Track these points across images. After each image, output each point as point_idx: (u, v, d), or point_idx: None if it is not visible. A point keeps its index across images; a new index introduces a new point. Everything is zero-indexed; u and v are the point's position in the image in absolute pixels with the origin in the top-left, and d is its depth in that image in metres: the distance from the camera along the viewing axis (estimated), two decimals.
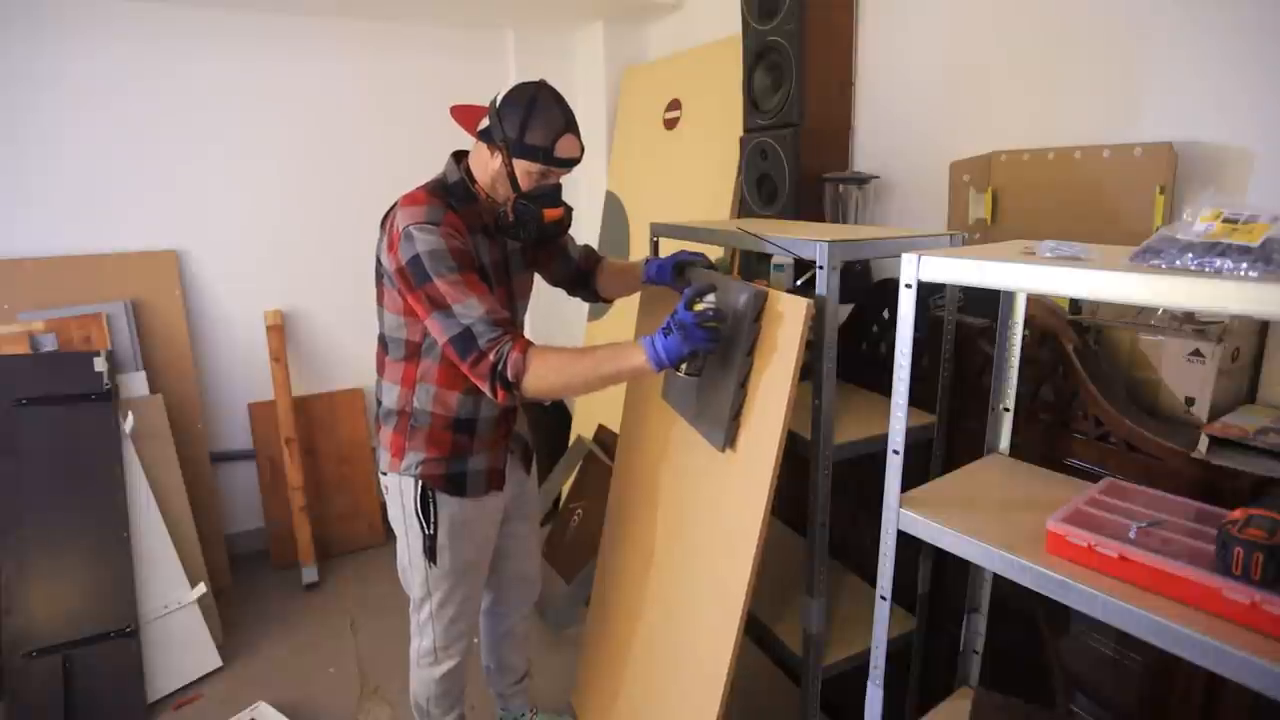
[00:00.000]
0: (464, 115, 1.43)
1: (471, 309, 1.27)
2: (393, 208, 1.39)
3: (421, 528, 1.49)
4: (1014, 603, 1.37)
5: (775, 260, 1.90)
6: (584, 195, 3.35)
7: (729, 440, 1.35)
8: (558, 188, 1.41)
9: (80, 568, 2.12)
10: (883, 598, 1.16)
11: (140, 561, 2.20)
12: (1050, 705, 1.35)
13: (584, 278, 1.71)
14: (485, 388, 1.30)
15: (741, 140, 2.19)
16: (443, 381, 1.45)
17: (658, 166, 2.83)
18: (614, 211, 3.05)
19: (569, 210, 1.45)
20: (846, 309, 1.80)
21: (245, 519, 3.00)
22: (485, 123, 1.37)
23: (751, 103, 2.13)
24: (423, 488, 1.47)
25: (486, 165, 1.39)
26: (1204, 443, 1.10)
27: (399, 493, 1.50)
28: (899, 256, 1.05)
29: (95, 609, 2.10)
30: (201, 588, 2.29)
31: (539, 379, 1.26)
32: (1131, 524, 0.93)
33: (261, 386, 2.89)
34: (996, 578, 1.34)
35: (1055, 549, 0.94)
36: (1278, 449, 1.05)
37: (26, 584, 2.05)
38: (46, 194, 2.51)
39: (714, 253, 2.35)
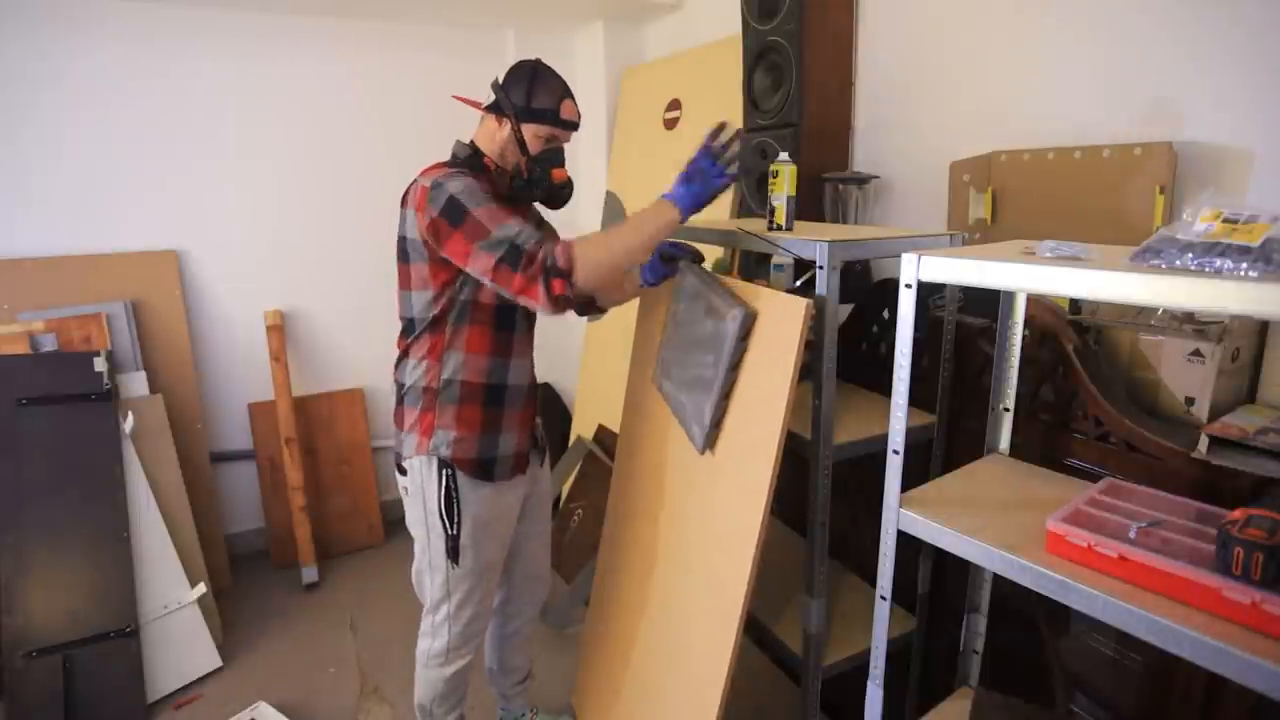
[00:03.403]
0: (467, 100, 1.53)
1: (511, 228, 1.33)
2: (412, 184, 1.44)
3: (444, 528, 1.48)
4: (1014, 603, 1.37)
5: (775, 260, 1.90)
6: (584, 195, 3.35)
7: (709, 444, 1.40)
8: (562, 150, 1.50)
9: (80, 568, 2.12)
10: (883, 598, 1.16)
11: (140, 561, 2.20)
12: (1050, 705, 1.35)
13: None
14: (539, 290, 1.30)
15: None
16: (471, 347, 1.47)
17: (658, 166, 2.82)
18: (614, 212, 3.05)
19: (570, 181, 1.53)
20: (846, 309, 1.80)
21: (245, 519, 3.00)
22: (490, 99, 1.46)
23: (751, 103, 2.13)
24: (445, 484, 1.47)
25: (494, 135, 1.46)
26: (1204, 443, 1.10)
27: (420, 494, 1.49)
28: (899, 256, 1.05)
29: (95, 609, 2.10)
30: (201, 588, 2.29)
31: (587, 259, 1.31)
32: (1131, 524, 0.93)
33: (261, 386, 2.89)
34: (996, 578, 1.34)
35: (1055, 549, 0.95)
36: (1278, 449, 1.05)
37: (26, 584, 2.05)
38: (46, 194, 2.51)
39: (714, 253, 2.36)
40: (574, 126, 1.49)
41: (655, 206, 1.35)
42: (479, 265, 1.34)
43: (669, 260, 1.56)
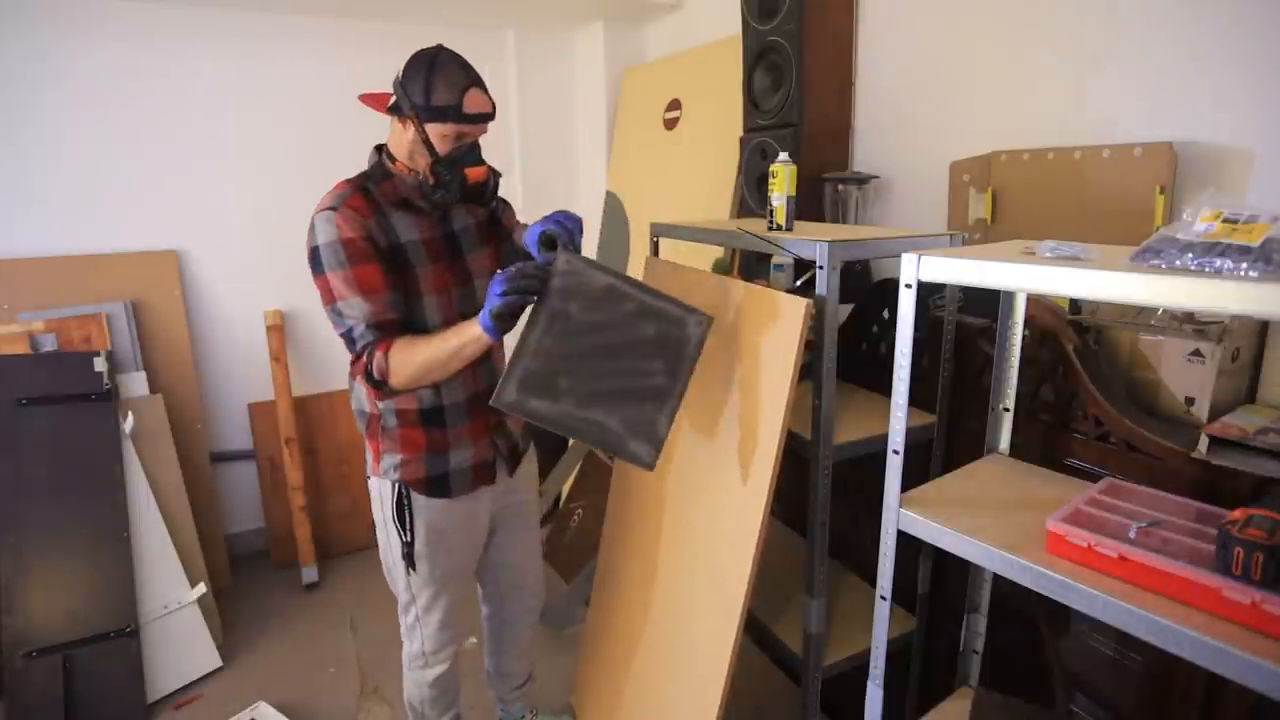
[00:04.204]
0: (374, 101, 1.44)
1: (354, 308, 1.28)
2: None
3: (399, 535, 1.47)
4: (1014, 603, 1.37)
5: (775, 260, 1.90)
6: (584, 195, 3.35)
7: (658, 453, 1.27)
8: (476, 147, 1.39)
9: (80, 568, 2.12)
10: (883, 598, 1.16)
11: (140, 561, 2.20)
12: (1050, 705, 1.35)
13: None
14: (366, 385, 1.33)
15: (741, 140, 2.19)
16: None
17: (658, 166, 2.83)
18: (614, 211, 3.05)
19: (495, 173, 1.43)
20: (846, 309, 1.80)
21: (245, 519, 3.00)
22: (394, 99, 1.36)
23: (751, 103, 2.13)
24: (398, 494, 1.45)
25: (401, 138, 1.37)
26: (1204, 443, 1.10)
27: (379, 498, 1.49)
28: (899, 256, 1.05)
29: (95, 609, 2.10)
30: (201, 588, 2.29)
31: (399, 373, 1.28)
32: (1131, 524, 0.93)
33: (261, 386, 2.89)
34: (996, 578, 1.34)
35: (1055, 549, 0.94)
36: (1278, 449, 1.04)
37: (26, 584, 2.05)
38: (46, 194, 2.51)
39: (714, 253, 2.36)
40: (484, 119, 1.35)
41: (466, 324, 1.27)
42: (330, 322, 1.33)
43: (550, 243, 1.30)
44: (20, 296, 2.45)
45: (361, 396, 1.47)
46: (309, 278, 1.33)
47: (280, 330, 2.84)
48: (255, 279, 2.86)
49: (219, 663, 2.30)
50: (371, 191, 1.36)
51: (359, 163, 2.50)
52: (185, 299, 2.73)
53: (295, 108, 2.84)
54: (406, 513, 1.46)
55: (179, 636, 2.23)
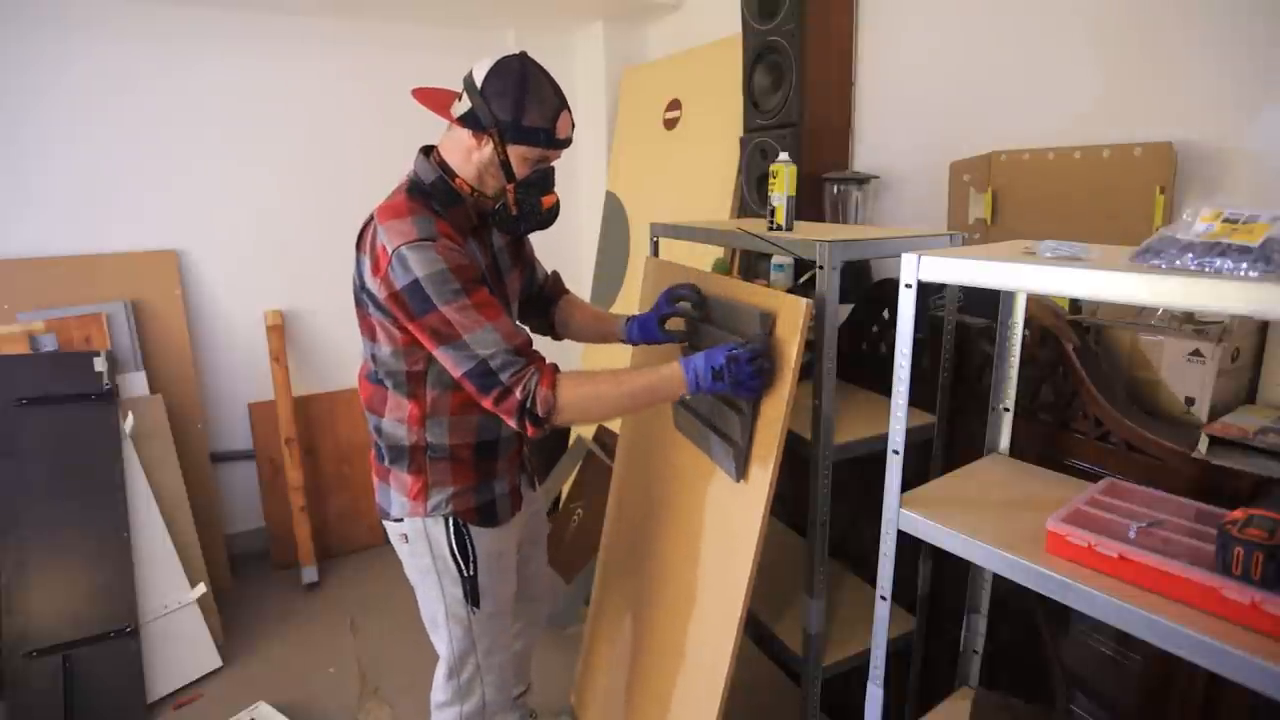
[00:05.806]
0: (430, 98, 1.26)
1: (486, 338, 1.15)
2: (369, 222, 1.25)
3: (460, 570, 1.36)
4: (1014, 603, 1.37)
5: (775, 260, 1.90)
6: (584, 195, 3.35)
7: (741, 473, 1.32)
8: (553, 171, 1.29)
9: (80, 568, 2.12)
10: (883, 598, 1.16)
11: (140, 561, 2.20)
12: (1050, 705, 1.35)
13: (543, 304, 1.59)
14: (512, 423, 1.19)
15: (741, 140, 2.19)
16: (458, 410, 1.31)
17: (658, 166, 2.83)
18: (614, 211, 3.05)
19: (558, 203, 1.34)
20: (846, 309, 1.80)
21: (245, 519, 3.00)
22: (464, 106, 1.21)
23: (751, 103, 2.13)
24: (455, 527, 1.34)
25: (470, 155, 1.23)
26: (1204, 443, 1.10)
27: (424, 539, 1.35)
28: (899, 256, 1.05)
29: (95, 609, 2.10)
30: (201, 588, 2.29)
31: (571, 412, 1.19)
32: (1131, 524, 0.93)
33: (261, 386, 2.89)
34: (996, 578, 1.34)
35: (1055, 549, 0.94)
36: (1278, 449, 1.04)
37: (26, 584, 2.05)
38: (46, 194, 2.51)
39: (714, 253, 2.36)
40: (569, 144, 1.26)
41: (666, 380, 1.19)
42: (445, 364, 1.20)
43: (665, 322, 1.43)
44: (20, 296, 2.45)
45: (398, 432, 1.32)
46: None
47: (280, 330, 2.84)
48: (255, 279, 2.86)
49: (219, 663, 2.30)
50: (446, 215, 1.23)
51: (360, 162, 2.50)
52: (185, 299, 2.73)
53: (295, 107, 2.84)
54: (468, 543, 1.35)
55: (179, 636, 2.24)
